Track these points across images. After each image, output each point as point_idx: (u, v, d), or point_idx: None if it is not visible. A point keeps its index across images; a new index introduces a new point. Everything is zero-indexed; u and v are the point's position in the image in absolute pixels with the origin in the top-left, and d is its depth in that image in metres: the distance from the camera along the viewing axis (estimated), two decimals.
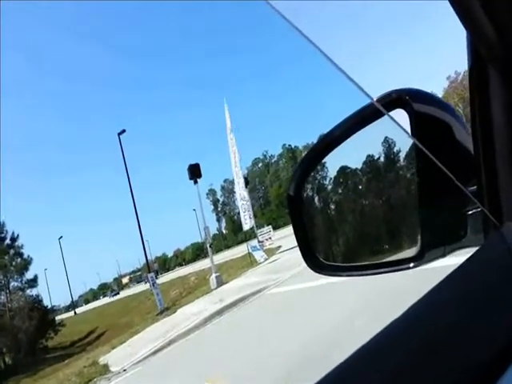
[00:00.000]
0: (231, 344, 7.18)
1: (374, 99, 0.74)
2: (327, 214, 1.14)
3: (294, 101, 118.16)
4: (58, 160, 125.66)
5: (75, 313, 53.91)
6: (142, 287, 39.63)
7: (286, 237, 26.38)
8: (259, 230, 25.43)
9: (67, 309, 70.05)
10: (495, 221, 0.63)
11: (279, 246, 23.28)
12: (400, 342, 0.51)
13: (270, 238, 24.76)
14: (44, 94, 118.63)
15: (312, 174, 1.00)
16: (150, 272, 20.39)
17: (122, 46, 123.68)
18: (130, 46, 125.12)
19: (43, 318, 22.10)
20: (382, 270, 0.87)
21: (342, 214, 1.11)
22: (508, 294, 0.52)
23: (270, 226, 27.18)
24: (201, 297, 15.36)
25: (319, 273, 0.96)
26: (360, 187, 1.03)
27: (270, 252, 21.64)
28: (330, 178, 1.04)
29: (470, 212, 0.70)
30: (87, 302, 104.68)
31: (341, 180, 1.04)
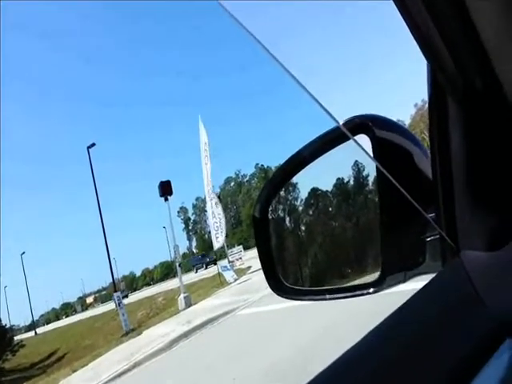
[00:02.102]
0: (198, 366, 7.02)
1: (340, 123, 0.73)
2: (292, 237, 1.13)
3: (268, 122, 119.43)
4: (22, 172, 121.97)
5: (36, 333, 51.76)
6: (108, 307, 38.52)
7: (257, 257, 26.33)
8: (230, 250, 25.27)
9: (27, 328, 67.20)
10: (454, 247, 0.65)
11: (250, 267, 23.16)
12: (362, 362, 0.52)
13: (240, 258, 24.61)
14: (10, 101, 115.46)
15: (278, 195, 1.00)
16: (115, 291, 19.88)
17: (96, 59, 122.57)
18: (104, 58, 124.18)
19: (1, 337, 21.10)
20: (344, 295, 0.88)
21: (306, 238, 1.11)
22: (464, 318, 0.56)
23: (241, 246, 27.05)
24: (168, 318, 15.02)
25: (281, 296, 0.97)
26: (326, 211, 1.03)
27: (241, 272, 21.50)
28: (296, 201, 1.04)
29: (428, 239, 0.71)
30: (49, 321, 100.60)
31: (307, 203, 1.04)
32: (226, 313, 11.10)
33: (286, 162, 0.91)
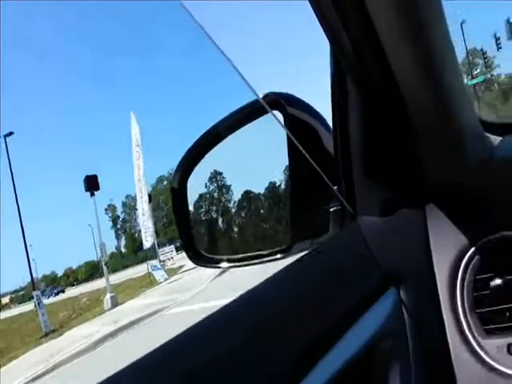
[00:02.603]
0: (122, 367, 6.81)
1: (249, 101, 0.81)
2: (209, 209, 1.16)
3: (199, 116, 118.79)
4: None
5: None
6: (26, 308, 36.21)
7: None
8: (161, 249, 24.83)
9: None
10: (352, 212, 0.71)
11: (181, 266, 22.89)
12: (253, 310, 0.53)
13: (172, 258, 24.28)
14: None
15: (196, 167, 1.00)
16: (34, 289, 18.79)
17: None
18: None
19: None
20: (256, 261, 0.92)
21: (223, 210, 1.15)
22: (357, 273, 0.64)
23: (173, 246, 26.69)
24: (92, 318, 14.48)
25: (198, 264, 1.02)
26: (242, 185, 1.07)
27: (172, 272, 21.19)
28: (214, 174, 1.08)
29: (331, 209, 0.76)
30: None
31: (224, 175, 1.08)
32: (154, 312, 10.93)
33: (204, 134, 0.93)
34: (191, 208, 1.06)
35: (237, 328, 0.49)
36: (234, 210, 1.12)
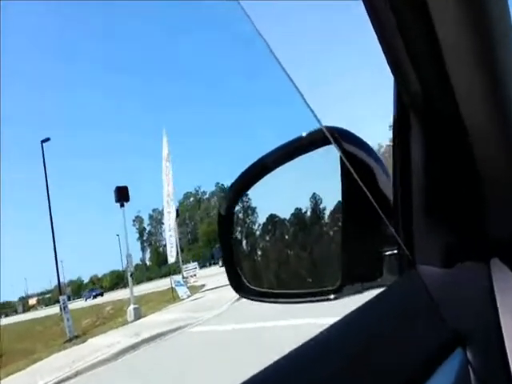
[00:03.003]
0: (143, 381, 6.96)
1: (304, 134, 0.80)
2: (255, 239, 1.13)
3: (233, 141, 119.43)
4: None
5: None
6: (51, 311, 36.95)
7: (212, 276, 26.15)
8: (184, 266, 24.99)
9: None
10: (410, 260, 0.67)
11: (203, 285, 23.01)
12: (313, 361, 0.51)
13: (194, 275, 24.39)
14: None
15: (244, 196, 1.00)
16: (61, 294, 19.15)
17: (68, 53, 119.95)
18: (76, 52, 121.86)
19: None
20: (304, 300, 0.92)
21: (270, 241, 1.13)
22: (419, 327, 0.60)
23: (196, 263, 26.86)
24: (115, 328, 14.66)
25: (243, 296, 0.98)
26: (290, 218, 1.04)
27: (194, 289, 21.27)
28: (262, 203, 1.05)
29: (386, 253, 0.73)
30: None
31: (273, 206, 1.05)
32: (177, 329, 11.00)
33: (255, 163, 0.93)
34: (238, 236, 1.05)
35: None
36: (281, 243, 1.10)
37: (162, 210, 25.92)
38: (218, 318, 11.13)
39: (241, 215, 1.07)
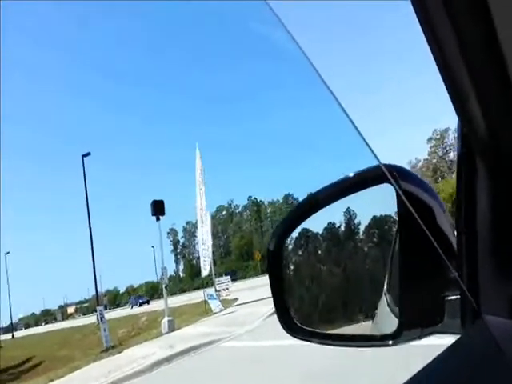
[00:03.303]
0: None
1: (356, 172, 0.79)
2: (306, 277, 1.12)
3: (270, 156, 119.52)
4: (16, 172, 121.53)
5: (13, 336, 50.03)
6: (88, 320, 37.92)
7: (243, 290, 26.22)
8: (217, 279, 25.10)
9: (5, 331, 65.08)
10: (475, 308, 0.63)
11: (236, 299, 23.09)
12: None
13: (227, 289, 24.49)
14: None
15: (294, 232, 0.97)
16: (98, 305, 19.60)
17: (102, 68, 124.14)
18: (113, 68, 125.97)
19: None
20: (359, 344, 0.89)
21: (322, 279, 1.10)
22: (491, 382, 0.56)
23: (229, 277, 26.95)
24: (150, 340, 14.91)
25: (293, 335, 0.95)
26: (343, 256, 1.03)
27: (226, 303, 21.39)
28: (314, 241, 1.04)
29: (448, 298, 0.70)
30: (27, 326, 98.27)
31: (324, 245, 1.04)
32: (210, 342, 11.09)
33: (304, 200, 0.93)
34: (286, 272, 1.02)
35: None
36: (333, 282, 1.06)
37: (196, 223, 26.16)
38: (250, 333, 11.19)
39: (291, 251, 1.04)
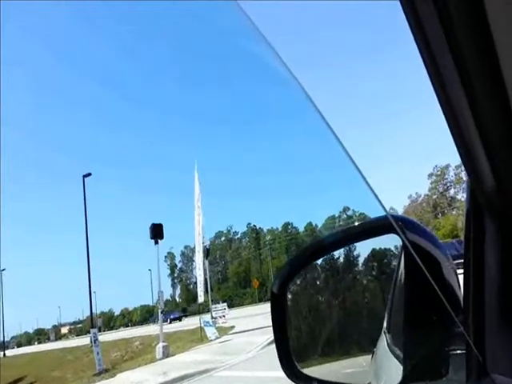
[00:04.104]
0: None
1: (364, 221, 0.81)
2: (309, 321, 1.13)
3: (269, 183, 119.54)
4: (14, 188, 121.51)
5: (4, 355, 49.18)
6: (82, 341, 37.36)
7: (240, 318, 25.90)
8: (214, 306, 24.81)
9: None
10: (481, 365, 0.62)
11: (232, 326, 22.81)
12: None
13: (223, 316, 24.20)
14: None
15: (297, 276, 0.98)
16: (93, 327, 19.41)
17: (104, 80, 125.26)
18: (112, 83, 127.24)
19: None
20: None
21: (321, 314, 1.11)
22: None
23: (226, 304, 26.69)
24: (144, 365, 14.73)
25: (293, 380, 0.95)
26: (344, 302, 1.04)
27: (223, 331, 21.12)
28: (316, 285, 1.05)
29: (453, 352, 0.69)
30: (20, 345, 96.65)
31: (327, 289, 1.05)
32: (204, 371, 10.98)
33: (309, 245, 0.94)
34: (289, 314, 1.02)
35: None
36: (333, 316, 1.07)
37: (194, 248, 25.87)
38: (244, 363, 11.12)
39: (295, 294, 1.04)
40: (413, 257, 0.68)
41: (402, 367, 0.76)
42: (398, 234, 0.72)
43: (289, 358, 0.96)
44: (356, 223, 0.83)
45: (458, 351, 0.68)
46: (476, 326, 0.62)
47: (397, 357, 0.81)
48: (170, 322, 49.05)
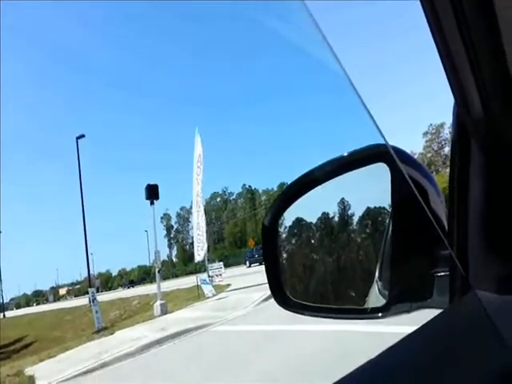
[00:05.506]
0: (167, 376, 7.11)
1: (353, 150, 0.80)
2: (301, 252, 1.13)
3: (267, 144, 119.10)
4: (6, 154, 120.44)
5: (4, 316, 50.27)
6: (80, 302, 37.99)
7: (236, 276, 26.30)
8: (210, 265, 25.10)
9: None
10: (465, 284, 0.65)
11: (228, 284, 23.14)
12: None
13: (220, 275, 24.45)
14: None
15: (289, 208, 0.98)
16: (90, 286, 19.60)
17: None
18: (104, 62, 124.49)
19: None
20: (350, 316, 0.93)
21: (316, 255, 1.11)
22: (479, 351, 0.57)
23: (222, 263, 26.97)
24: (142, 322, 14.92)
25: (286, 309, 0.97)
26: (336, 232, 1.03)
27: (219, 289, 21.42)
28: (308, 217, 1.04)
29: (437, 274, 0.71)
30: (18, 306, 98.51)
31: (319, 220, 1.04)
32: (201, 326, 11.11)
33: (300, 177, 0.91)
34: (280, 248, 1.03)
35: None
36: (326, 258, 1.08)
37: (191, 209, 25.95)
38: (241, 318, 11.23)
39: (286, 227, 1.05)
40: (401, 185, 0.71)
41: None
42: (387, 163, 0.74)
43: (280, 287, 0.97)
44: (345, 153, 0.83)
45: (443, 273, 0.70)
46: (460, 248, 0.66)
47: (385, 296, 0.82)
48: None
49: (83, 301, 33.45)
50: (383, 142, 0.61)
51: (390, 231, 0.81)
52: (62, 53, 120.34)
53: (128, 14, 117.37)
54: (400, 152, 0.74)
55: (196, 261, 24.87)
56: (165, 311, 16.02)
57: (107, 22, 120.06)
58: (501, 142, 0.56)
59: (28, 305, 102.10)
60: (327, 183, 0.87)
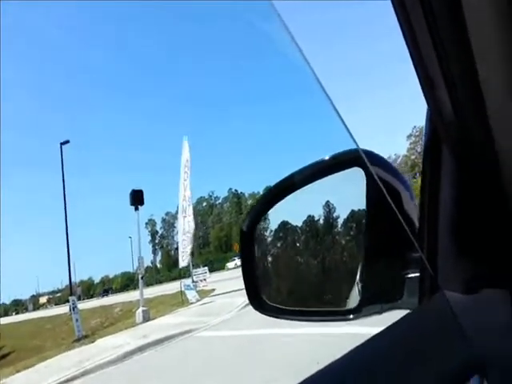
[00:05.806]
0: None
1: (329, 155, 0.82)
2: (277, 257, 1.15)
3: (252, 147, 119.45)
4: None
5: None
6: (61, 310, 37.24)
7: (221, 281, 26.14)
8: (195, 270, 24.98)
9: None
10: (434, 284, 0.67)
11: (213, 289, 23.00)
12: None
13: (204, 280, 24.36)
14: None
15: (267, 214, 1.00)
16: (71, 294, 19.28)
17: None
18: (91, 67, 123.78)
19: None
20: (322, 318, 0.96)
21: (291, 259, 1.13)
22: (442, 351, 0.59)
23: (207, 268, 26.82)
24: (124, 330, 14.71)
25: (262, 313, 0.98)
26: (311, 236, 1.05)
27: (204, 294, 21.31)
28: (285, 222, 1.06)
29: (408, 276, 0.73)
30: None
31: (295, 225, 1.05)
32: (184, 332, 11.01)
33: (278, 183, 0.92)
34: (258, 253, 1.05)
35: None
36: (301, 261, 1.11)
37: (176, 214, 25.93)
38: (225, 323, 11.10)
39: (263, 232, 1.07)
40: (374, 187, 0.72)
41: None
42: (362, 167, 0.76)
43: (256, 291, 0.98)
44: (326, 157, 0.84)
45: (413, 275, 0.72)
46: (430, 250, 0.67)
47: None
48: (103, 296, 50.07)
49: (64, 309, 32.76)
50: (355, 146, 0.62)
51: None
52: (55, 53, 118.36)
53: (128, 14, 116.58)
54: (374, 157, 0.76)
55: (180, 266, 24.71)
56: (147, 318, 15.82)
57: (107, 22, 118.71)
58: (471, 147, 0.56)
59: (6, 314, 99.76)
60: (306, 187, 0.88)
